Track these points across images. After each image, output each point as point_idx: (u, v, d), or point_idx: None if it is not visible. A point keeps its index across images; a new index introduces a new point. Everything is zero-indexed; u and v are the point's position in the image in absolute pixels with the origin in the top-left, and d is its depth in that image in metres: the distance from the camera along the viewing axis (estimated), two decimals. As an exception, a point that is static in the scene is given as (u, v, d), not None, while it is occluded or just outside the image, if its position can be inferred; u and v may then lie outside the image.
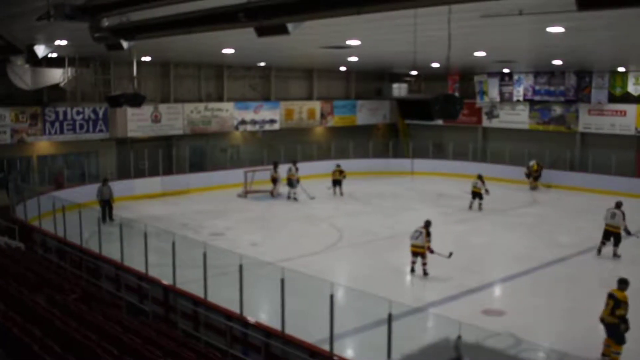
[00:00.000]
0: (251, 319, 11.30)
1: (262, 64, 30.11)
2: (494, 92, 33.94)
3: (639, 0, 5.79)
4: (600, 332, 11.12)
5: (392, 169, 32.96)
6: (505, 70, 32.60)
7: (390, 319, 9.13)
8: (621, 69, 29.11)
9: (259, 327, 11.04)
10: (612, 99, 30.11)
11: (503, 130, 34.45)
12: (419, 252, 15.81)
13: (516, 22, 13.16)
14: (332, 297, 9.78)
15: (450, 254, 15.62)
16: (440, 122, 33.54)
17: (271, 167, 27.47)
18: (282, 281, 10.48)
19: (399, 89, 37.41)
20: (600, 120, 30.79)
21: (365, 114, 36.86)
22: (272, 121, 32.15)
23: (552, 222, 22.72)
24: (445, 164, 33.40)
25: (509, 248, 18.86)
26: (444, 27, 10.75)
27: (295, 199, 26.09)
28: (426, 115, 9.19)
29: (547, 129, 32.71)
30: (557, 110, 32.27)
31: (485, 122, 35.25)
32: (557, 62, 26.36)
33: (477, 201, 24.49)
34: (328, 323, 9.80)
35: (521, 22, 13.14)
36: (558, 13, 11.50)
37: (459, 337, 7.22)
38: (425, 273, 15.79)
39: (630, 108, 29.60)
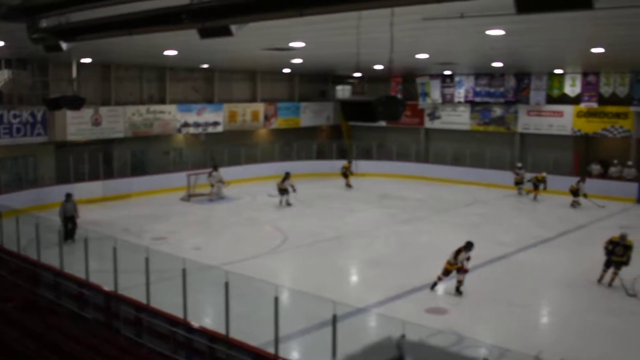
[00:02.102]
0: (195, 323, 11.17)
1: (205, 65, 29.87)
2: (436, 93, 34.40)
3: (576, 5, 5.92)
4: (541, 327, 11.35)
5: (336, 171, 33.05)
6: (447, 72, 33.09)
7: (334, 320, 9.13)
8: (558, 71, 29.86)
9: (203, 332, 10.92)
10: (550, 100, 30.86)
11: (445, 131, 34.94)
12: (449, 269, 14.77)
13: (457, 25, 13.35)
14: (276, 299, 9.74)
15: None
16: (383, 123, 34.02)
17: (211, 169, 27.15)
18: (226, 285, 10.39)
19: (343, 91, 37.62)
20: (538, 120, 31.53)
21: (309, 115, 36.92)
22: (215, 123, 31.91)
23: (494, 221, 23.14)
24: (389, 165, 33.69)
25: (452, 247, 19.02)
26: (387, 30, 10.82)
27: (288, 204, 25.23)
28: (369, 116, 9.23)
29: (488, 130, 33.31)
30: (497, 111, 32.90)
31: (428, 123, 35.68)
32: (497, 64, 26.87)
33: None
34: (273, 326, 9.76)
35: (462, 25, 13.33)
36: (498, 16, 11.71)
37: (403, 336, 7.28)
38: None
39: (567, 109, 30.39)
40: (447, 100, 34.23)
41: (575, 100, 30.10)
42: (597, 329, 12.56)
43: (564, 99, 30.44)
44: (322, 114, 37.70)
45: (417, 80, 34.86)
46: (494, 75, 32.27)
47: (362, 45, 15.43)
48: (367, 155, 34.75)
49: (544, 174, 27.19)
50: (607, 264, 15.29)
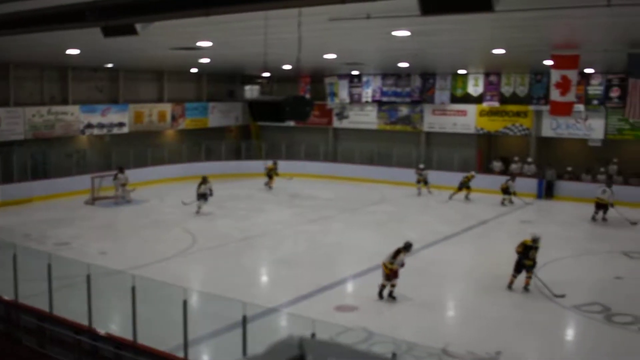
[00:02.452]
0: (101, 330, 10.87)
1: (110, 65, 29.08)
2: (344, 93, 34.74)
3: (477, 7, 6.08)
4: (447, 321, 11.66)
5: (245, 171, 32.93)
6: (355, 73, 33.48)
7: (244, 321, 9.10)
8: (462, 71, 30.76)
9: (109, 339, 10.64)
10: (454, 99, 31.73)
11: (353, 131, 35.34)
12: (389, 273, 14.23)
13: (364, 26, 13.50)
14: (185, 302, 9.61)
15: None
16: (292, 123, 34.11)
17: (116, 171, 26.47)
18: (133, 289, 10.16)
19: (251, 91, 37.46)
20: (443, 119, 32.34)
21: (218, 116, 36.57)
22: (120, 124, 31.14)
23: (400, 219, 23.57)
24: (298, 165, 33.77)
25: (360, 245, 19.33)
26: (294, 30, 10.86)
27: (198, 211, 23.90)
28: (277, 116, 9.23)
29: (395, 129, 33.91)
30: (404, 110, 33.54)
31: (336, 123, 36.00)
32: (403, 64, 27.39)
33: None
34: (182, 329, 9.62)
35: (368, 26, 13.49)
36: (403, 17, 11.91)
37: (313, 335, 7.29)
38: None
39: (471, 108, 31.32)
40: (355, 100, 34.63)
41: (478, 100, 31.07)
42: (501, 321, 12.99)
43: (468, 99, 31.38)
44: (230, 114, 37.43)
45: (325, 81, 35.11)
46: (400, 76, 32.89)
47: (270, 45, 15.42)
48: (276, 155, 34.74)
49: (473, 173, 27.65)
50: (518, 269, 14.77)
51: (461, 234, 21.06)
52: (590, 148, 29.47)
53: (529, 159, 29.61)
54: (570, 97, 21.95)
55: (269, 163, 30.76)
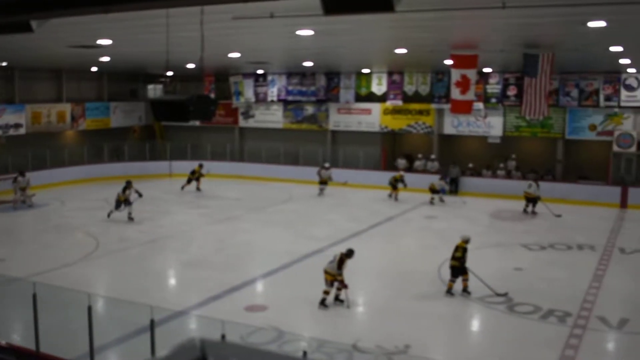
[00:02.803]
0: (1, 341, 10.43)
1: (4, 63, 27.89)
2: (249, 92, 34.60)
3: (378, 7, 6.17)
4: (357, 317, 11.81)
5: (150, 172, 32.28)
6: (260, 72, 33.39)
7: (152, 325, 8.93)
8: (365, 71, 31.20)
9: (10, 349, 10.22)
10: (359, 98, 32.14)
11: (259, 130, 35.26)
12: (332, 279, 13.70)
13: (267, 25, 13.49)
14: (89, 308, 9.34)
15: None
16: (197, 123, 33.70)
17: (16, 174, 25.43)
18: (34, 297, 9.79)
19: (154, 90, 36.78)
20: (348, 118, 32.74)
21: (120, 116, 35.68)
22: (17, 126, 29.88)
23: (308, 217, 23.70)
24: (204, 165, 33.34)
25: (269, 244, 19.31)
26: (197, 28, 10.73)
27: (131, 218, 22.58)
28: (181, 116, 9.10)
29: (301, 128, 34.05)
30: (309, 109, 33.72)
31: (242, 122, 35.81)
32: (308, 63, 27.53)
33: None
34: (87, 336, 9.35)
35: (272, 25, 13.49)
36: (307, 17, 11.97)
37: (223, 336, 7.22)
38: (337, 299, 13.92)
39: (375, 107, 31.82)
40: (261, 99, 34.55)
41: (382, 99, 31.59)
42: (410, 315, 13.25)
43: (372, 97, 31.85)
44: (133, 114, 36.61)
45: (230, 80, 34.86)
46: (305, 75, 33.04)
47: (173, 44, 15.16)
48: (182, 155, 34.24)
49: (401, 173, 27.64)
50: (456, 274, 14.46)
51: (368, 231, 21.36)
52: (490, 145, 30.55)
53: (432, 156, 30.36)
54: (470, 95, 22.66)
55: (196, 165, 29.88)
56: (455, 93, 22.46)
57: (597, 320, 12.78)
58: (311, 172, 30.05)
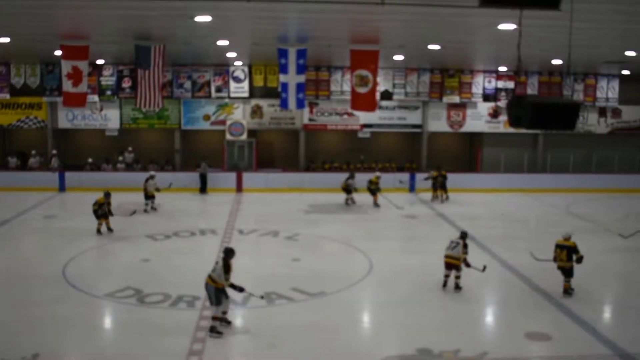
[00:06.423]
0: None
1: None
2: None
3: None
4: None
5: None
6: None
7: None
8: None
9: None
10: None
11: None
12: (454, 264, 14.06)
13: None
14: None
15: (484, 268, 14.08)
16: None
17: None
18: None
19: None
20: None
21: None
22: None
23: None
24: None
25: None
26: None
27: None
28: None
29: None
30: None
31: None
32: None
33: None
34: None
35: None
36: None
37: None
38: (457, 287, 14.14)
39: None
40: None
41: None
42: (34, 321, 12.41)
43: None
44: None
45: None
46: None
47: None
48: None
49: (377, 174, 25.10)
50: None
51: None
52: (108, 138, 30.27)
53: (54, 151, 28.89)
54: (83, 87, 22.18)
55: None
56: (67, 85, 21.76)
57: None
58: None
